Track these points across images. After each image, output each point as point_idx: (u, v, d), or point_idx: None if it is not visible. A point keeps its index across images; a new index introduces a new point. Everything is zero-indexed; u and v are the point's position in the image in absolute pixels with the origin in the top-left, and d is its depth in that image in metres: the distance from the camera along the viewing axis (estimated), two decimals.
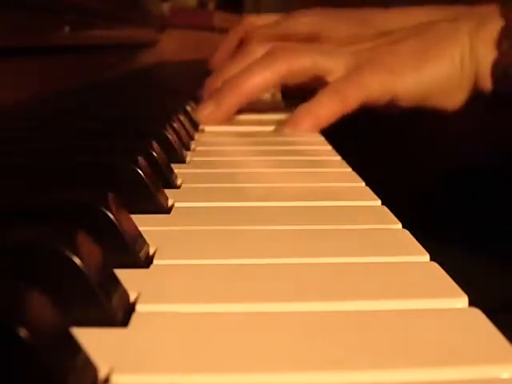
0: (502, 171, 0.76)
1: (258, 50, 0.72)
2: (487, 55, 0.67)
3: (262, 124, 0.70)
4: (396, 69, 0.68)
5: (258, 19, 0.99)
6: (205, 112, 0.70)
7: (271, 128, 0.68)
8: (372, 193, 0.41)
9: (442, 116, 0.71)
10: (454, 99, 0.70)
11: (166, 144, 0.48)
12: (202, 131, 0.68)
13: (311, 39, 0.87)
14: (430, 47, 0.69)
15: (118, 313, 0.23)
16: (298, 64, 0.69)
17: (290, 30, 0.94)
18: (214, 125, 0.69)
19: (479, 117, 0.80)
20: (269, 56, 0.70)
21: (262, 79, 0.68)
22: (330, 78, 0.68)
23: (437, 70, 0.68)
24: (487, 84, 0.68)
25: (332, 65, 0.69)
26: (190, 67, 1.42)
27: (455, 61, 0.68)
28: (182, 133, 0.57)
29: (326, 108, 0.66)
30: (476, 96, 0.69)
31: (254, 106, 0.75)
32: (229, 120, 0.70)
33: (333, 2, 0.92)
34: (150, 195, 0.37)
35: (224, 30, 1.74)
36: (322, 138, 0.63)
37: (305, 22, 0.93)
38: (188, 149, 0.57)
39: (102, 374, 0.20)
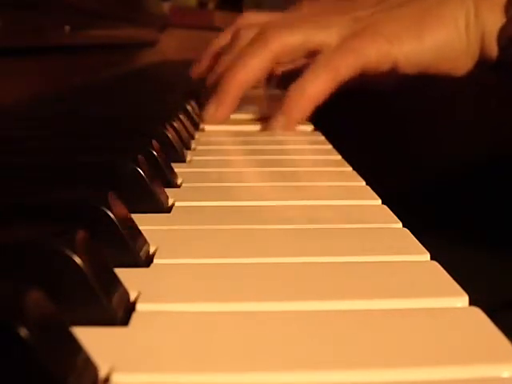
0: (502, 170, 0.76)
1: (247, 34, 0.71)
2: (493, 21, 0.64)
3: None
4: (394, 35, 0.65)
5: (252, 16, 0.97)
6: (209, 112, 0.69)
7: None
8: (372, 192, 0.41)
9: (449, 86, 0.69)
10: (460, 65, 0.66)
11: (166, 143, 0.48)
12: (203, 130, 0.68)
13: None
14: (432, 12, 0.66)
15: (119, 312, 0.23)
16: (289, 41, 0.67)
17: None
18: (219, 123, 0.69)
19: (481, 114, 0.80)
20: (258, 39, 0.68)
21: (255, 65, 0.67)
22: (325, 51, 0.67)
23: (439, 36, 0.65)
24: (492, 51, 0.64)
25: (325, 37, 0.67)
26: (190, 67, 1.41)
27: (459, 26, 0.65)
28: (183, 132, 0.57)
29: (318, 84, 0.63)
30: (479, 90, 0.68)
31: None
32: (229, 119, 0.70)
33: None
34: (150, 194, 0.37)
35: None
36: (323, 138, 0.63)
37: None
38: (188, 148, 0.57)
39: (102, 373, 0.20)
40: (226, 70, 0.70)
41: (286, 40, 0.67)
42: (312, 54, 0.67)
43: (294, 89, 0.65)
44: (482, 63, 0.65)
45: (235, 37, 0.76)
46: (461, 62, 0.66)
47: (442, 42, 0.65)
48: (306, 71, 0.65)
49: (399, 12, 0.66)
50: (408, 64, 0.65)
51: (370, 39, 0.64)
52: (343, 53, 0.64)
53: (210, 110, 0.69)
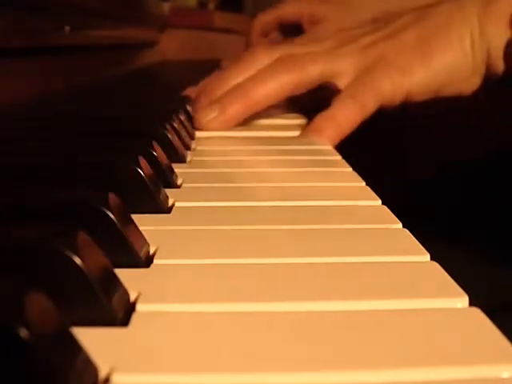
0: (502, 169, 0.76)
1: (263, 58, 0.67)
2: (499, 36, 0.63)
3: (262, 126, 0.70)
4: (404, 66, 0.64)
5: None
6: (207, 117, 0.65)
7: (272, 129, 0.68)
8: (372, 192, 0.41)
9: (461, 103, 0.68)
10: (469, 85, 0.65)
11: (166, 143, 0.48)
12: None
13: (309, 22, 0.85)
14: (437, 33, 0.65)
15: (119, 312, 0.23)
16: (307, 74, 0.65)
17: (282, 17, 0.94)
18: (214, 131, 0.65)
19: (480, 114, 0.80)
20: (277, 65, 0.65)
21: (271, 89, 0.64)
22: (339, 82, 0.66)
23: (447, 60, 0.64)
24: (499, 66, 0.64)
25: (341, 68, 0.66)
26: (190, 67, 1.42)
27: (465, 46, 0.64)
28: (183, 132, 0.57)
29: (347, 114, 0.63)
30: (482, 90, 0.67)
31: None
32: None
33: None
34: (150, 195, 0.37)
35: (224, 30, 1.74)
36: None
37: (294, 7, 0.92)
38: (188, 148, 0.57)
39: (102, 373, 0.20)
40: (236, 85, 0.66)
41: (304, 72, 0.65)
42: (325, 86, 0.66)
43: (323, 115, 0.64)
44: (489, 78, 0.65)
45: (249, 58, 0.69)
46: (469, 81, 0.65)
47: (449, 65, 0.65)
48: (334, 102, 0.64)
49: (404, 37, 0.66)
50: (420, 93, 0.65)
51: (384, 74, 0.64)
52: (366, 89, 0.64)
53: (207, 116, 0.65)
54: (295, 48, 0.69)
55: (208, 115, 0.65)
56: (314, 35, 0.77)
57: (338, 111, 0.63)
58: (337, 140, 0.62)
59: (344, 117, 0.63)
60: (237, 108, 0.65)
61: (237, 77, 0.66)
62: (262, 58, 0.67)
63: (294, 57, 0.66)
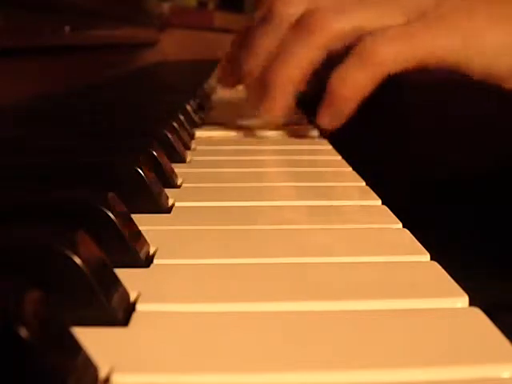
0: (502, 170, 0.76)
1: (289, 13, 0.58)
2: None
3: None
4: (471, 33, 0.55)
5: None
6: (262, 118, 0.60)
7: (272, 130, 0.68)
8: (372, 192, 0.41)
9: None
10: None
11: (166, 143, 0.48)
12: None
13: None
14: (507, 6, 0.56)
15: (119, 312, 0.23)
16: (340, 27, 0.56)
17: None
18: (276, 129, 0.60)
19: (484, 117, 0.80)
20: (307, 23, 0.57)
21: (306, 59, 0.57)
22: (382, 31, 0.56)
23: (509, 38, 0.56)
24: None
25: (379, 25, 0.56)
26: (190, 67, 1.42)
27: None
28: (183, 132, 0.57)
29: (391, 51, 0.54)
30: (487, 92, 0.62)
31: None
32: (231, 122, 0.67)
33: None
34: (150, 195, 0.37)
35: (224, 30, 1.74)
36: (324, 140, 0.63)
37: None
38: (188, 148, 0.57)
39: (102, 373, 0.20)
40: (268, 61, 0.59)
41: (338, 26, 0.56)
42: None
43: (333, 81, 0.56)
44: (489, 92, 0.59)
45: (272, 17, 0.60)
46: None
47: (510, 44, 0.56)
48: (348, 57, 0.55)
49: (472, 4, 0.56)
50: (474, 67, 0.56)
51: (445, 32, 0.55)
52: (405, 36, 0.55)
53: (262, 115, 0.60)
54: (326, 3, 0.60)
55: (261, 115, 0.61)
56: None
57: (345, 79, 0.56)
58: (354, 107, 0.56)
59: (358, 79, 0.55)
60: (284, 93, 0.59)
61: (266, 43, 0.60)
62: (287, 13, 0.59)
63: (322, 11, 0.57)
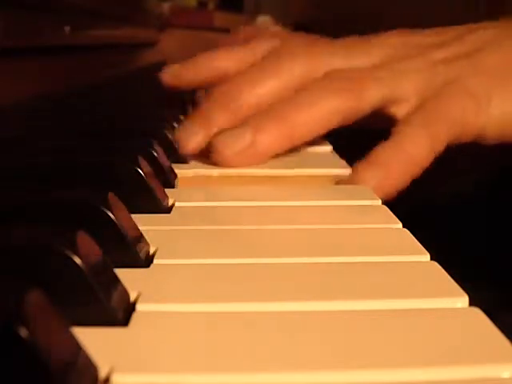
0: (504, 171, 0.76)
1: (298, 70, 0.50)
2: None
3: None
4: (482, 96, 0.49)
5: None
6: (232, 148, 0.47)
7: None
8: (372, 192, 0.41)
9: None
10: None
11: (166, 143, 0.48)
12: None
13: None
14: None
15: (119, 312, 0.23)
16: (365, 99, 0.49)
17: None
18: (240, 167, 0.47)
19: None
20: (326, 85, 0.49)
21: (317, 115, 0.48)
22: (398, 109, 0.50)
23: None
24: None
25: (404, 90, 0.49)
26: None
27: None
28: None
29: (420, 148, 0.46)
30: None
31: None
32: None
33: (330, 4, 0.91)
34: (150, 195, 0.37)
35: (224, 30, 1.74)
36: (326, 142, 0.63)
37: None
38: None
39: (102, 373, 0.20)
40: (270, 106, 0.49)
41: (368, 92, 0.49)
42: (378, 114, 0.50)
43: (389, 146, 0.46)
44: None
45: (278, 70, 0.51)
46: None
47: None
48: (400, 131, 0.47)
49: (486, 59, 0.50)
50: (493, 133, 0.50)
51: (458, 103, 0.49)
52: (439, 119, 0.48)
53: (235, 144, 0.47)
54: (344, 54, 0.53)
55: (232, 146, 0.47)
56: (358, 39, 0.56)
57: (409, 143, 0.46)
58: (407, 180, 0.46)
59: (417, 151, 0.46)
60: (273, 138, 0.47)
61: (268, 81, 0.51)
62: (304, 64, 0.51)
63: (348, 75, 0.50)
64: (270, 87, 0.50)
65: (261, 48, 0.55)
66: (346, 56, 0.52)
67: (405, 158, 0.45)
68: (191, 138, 0.49)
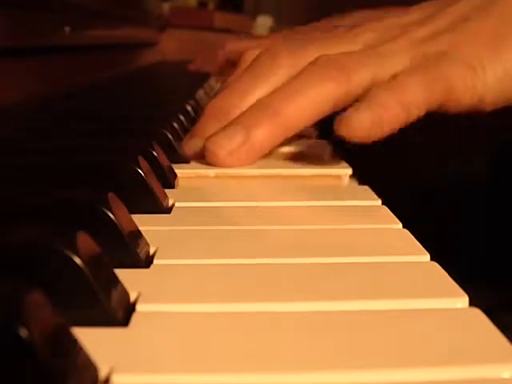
0: (502, 170, 0.76)
1: (287, 62, 0.50)
2: None
3: None
4: (476, 65, 0.48)
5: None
6: (225, 149, 0.46)
7: None
8: (372, 192, 0.41)
9: None
10: None
11: (166, 143, 0.48)
12: None
13: None
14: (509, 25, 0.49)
15: (118, 312, 0.23)
16: (355, 82, 0.48)
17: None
18: (235, 167, 0.46)
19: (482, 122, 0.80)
20: (314, 71, 0.48)
21: (309, 103, 0.47)
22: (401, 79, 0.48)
23: None
24: None
25: (392, 69, 0.48)
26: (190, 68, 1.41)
27: None
28: (183, 132, 0.57)
29: (414, 93, 0.46)
30: None
31: None
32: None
33: (330, 4, 0.91)
34: (150, 195, 0.37)
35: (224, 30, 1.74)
36: (325, 141, 0.63)
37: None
38: None
39: (102, 373, 0.20)
40: (260, 101, 0.48)
41: (356, 75, 0.48)
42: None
43: (387, 87, 0.46)
44: None
45: (269, 66, 0.51)
46: None
47: None
48: (401, 77, 0.47)
49: (470, 29, 0.50)
50: (493, 99, 0.49)
51: (453, 72, 0.48)
52: (435, 77, 0.47)
53: (227, 145, 0.46)
54: (327, 45, 0.52)
55: (226, 146, 0.46)
56: (343, 25, 0.57)
57: (405, 88, 0.46)
58: (397, 125, 0.46)
59: (412, 97, 0.46)
60: (266, 131, 0.46)
61: (256, 89, 0.49)
62: (286, 63, 0.50)
63: (333, 60, 0.49)
64: (260, 94, 0.49)
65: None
66: (329, 47, 0.52)
67: (400, 99, 0.45)
68: (190, 148, 0.50)
